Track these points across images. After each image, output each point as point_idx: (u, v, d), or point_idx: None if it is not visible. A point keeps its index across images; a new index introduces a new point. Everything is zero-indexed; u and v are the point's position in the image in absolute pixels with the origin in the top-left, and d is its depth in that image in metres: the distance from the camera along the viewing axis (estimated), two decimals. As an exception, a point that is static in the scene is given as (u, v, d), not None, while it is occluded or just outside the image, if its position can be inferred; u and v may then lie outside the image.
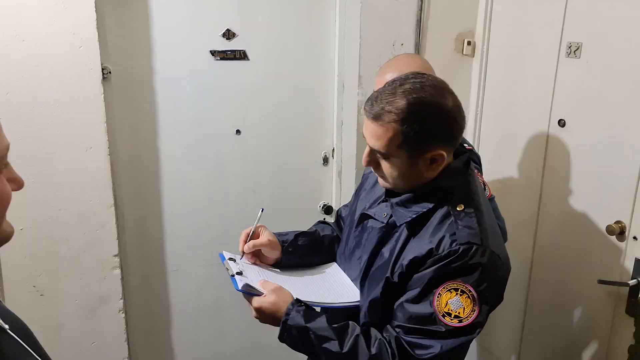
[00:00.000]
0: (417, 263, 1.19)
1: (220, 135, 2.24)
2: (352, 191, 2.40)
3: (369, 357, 1.18)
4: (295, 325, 1.22)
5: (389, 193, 1.31)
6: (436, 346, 1.14)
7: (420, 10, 2.25)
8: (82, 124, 1.86)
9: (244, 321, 2.48)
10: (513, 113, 2.25)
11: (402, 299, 1.21)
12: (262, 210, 1.47)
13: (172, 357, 2.39)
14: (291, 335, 1.23)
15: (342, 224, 1.64)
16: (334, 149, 2.45)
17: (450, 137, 1.20)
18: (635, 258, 1.82)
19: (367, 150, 1.24)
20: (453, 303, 1.14)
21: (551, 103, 2.06)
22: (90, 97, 1.85)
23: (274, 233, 1.51)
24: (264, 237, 1.46)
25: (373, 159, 1.24)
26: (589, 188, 1.96)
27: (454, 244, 1.15)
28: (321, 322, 1.22)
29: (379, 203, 1.37)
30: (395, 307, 1.22)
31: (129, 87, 2.05)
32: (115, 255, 2.01)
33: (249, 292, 1.29)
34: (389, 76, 1.74)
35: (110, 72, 1.97)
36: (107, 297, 2.03)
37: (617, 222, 1.86)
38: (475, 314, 1.15)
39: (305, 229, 1.64)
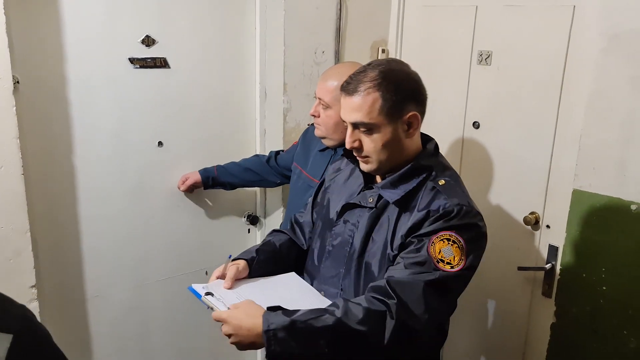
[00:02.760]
0: (415, 228, 1.29)
1: (141, 148, 2.10)
2: (278, 199, 2.42)
3: (365, 310, 1.20)
4: (280, 326, 1.17)
5: (369, 181, 1.42)
6: (433, 274, 1.24)
7: (339, 18, 2.31)
8: (-9, 140, 1.65)
9: (172, 345, 2.35)
10: (428, 117, 2.38)
11: (399, 255, 1.30)
12: (230, 257, 1.48)
13: (95, 391, 2.19)
14: (279, 340, 1.17)
15: (297, 230, 1.64)
16: (257, 158, 2.41)
17: (421, 99, 1.36)
18: (549, 244, 2.02)
19: (349, 130, 1.33)
20: (445, 251, 1.25)
21: (465, 107, 2.22)
22: (0, 110, 1.64)
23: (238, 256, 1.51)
24: (232, 270, 1.43)
25: (356, 139, 1.33)
26: (505, 183, 2.14)
27: (448, 206, 1.28)
28: (303, 310, 1.21)
29: (359, 193, 1.44)
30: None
31: (39, 98, 1.85)
32: (33, 286, 1.80)
33: None
34: (331, 83, 1.79)
35: (18, 82, 1.76)
36: (24, 334, 1.81)
37: (532, 213, 2.06)
38: (463, 262, 1.26)
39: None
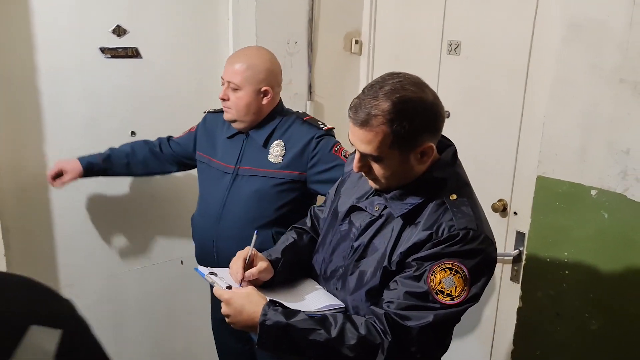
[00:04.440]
0: (416, 249, 1.22)
1: (114, 137, 2.10)
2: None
3: (359, 338, 1.19)
4: (275, 324, 1.19)
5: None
6: (429, 317, 1.18)
7: (312, 9, 2.33)
8: (-42, 128, 1.66)
9: (146, 335, 2.37)
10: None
11: (397, 277, 1.24)
12: (256, 233, 1.41)
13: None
14: (271, 336, 1.20)
15: (316, 224, 1.60)
16: (231, 148, 2.43)
17: (436, 129, 1.24)
18: (517, 231, 2.07)
19: (357, 156, 1.25)
20: (446, 281, 1.18)
21: (436, 96, 2.25)
22: (-34, 98, 1.65)
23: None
24: (263, 263, 1.39)
25: (365, 164, 1.26)
26: (474, 171, 2.14)
27: (453, 229, 1.19)
28: (302, 316, 1.21)
29: (368, 197, 1.37)
30: (389, 283, 1.25)
31: (8, 87, 1.86)
32: (3, 274, 1.81)
33: None
34: (239, 66, 1.77)
35: (-14, 71, 1.78)
36: (-5, 322, 1.82)
37: (500, 200, 2.10)
38: (465, 293, 1.19)
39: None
